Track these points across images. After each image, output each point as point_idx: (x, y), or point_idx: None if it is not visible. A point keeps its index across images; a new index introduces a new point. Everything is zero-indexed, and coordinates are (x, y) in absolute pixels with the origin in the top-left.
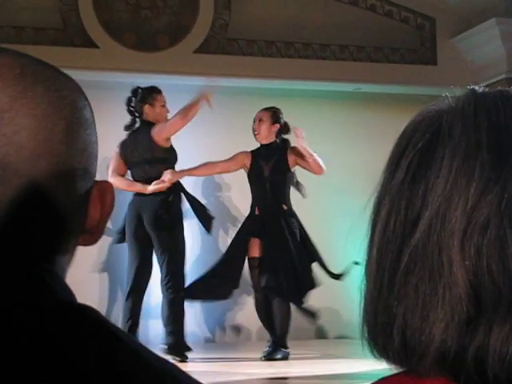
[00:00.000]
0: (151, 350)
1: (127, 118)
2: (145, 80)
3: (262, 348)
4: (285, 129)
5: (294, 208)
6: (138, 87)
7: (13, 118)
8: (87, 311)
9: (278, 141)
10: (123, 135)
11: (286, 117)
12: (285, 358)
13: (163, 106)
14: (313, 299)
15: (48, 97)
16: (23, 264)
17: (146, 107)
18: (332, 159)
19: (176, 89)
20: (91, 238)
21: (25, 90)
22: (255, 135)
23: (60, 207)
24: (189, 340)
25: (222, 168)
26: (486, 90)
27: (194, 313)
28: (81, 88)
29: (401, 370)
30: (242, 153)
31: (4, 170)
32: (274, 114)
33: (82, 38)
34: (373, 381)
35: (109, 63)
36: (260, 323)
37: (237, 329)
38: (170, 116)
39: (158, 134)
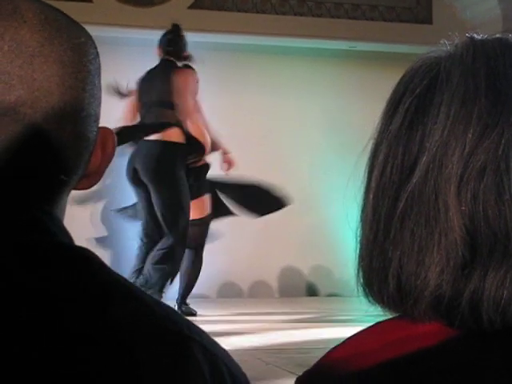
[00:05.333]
0: (153, 297)
1: (121, 73)
2: (139, 35)
3: (254, 305)
4: None
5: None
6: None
7: (42, 64)
8: (85, 253)
9: None
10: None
11: (278, 74)
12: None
13: None
14: (304, 257)
15: (71, 44)
16: (23, 205)
17: (186, 54)
18: (327, 117)
19: None
20: (87, 182)
21: (52, 36)
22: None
23: (76, 152)
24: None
25: None
26: (484, 37)
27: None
28: (91, 36)
29: (395, 314)
30: None
31: (34, 115)
32: None
33: None
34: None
35: (102, 18)
36: (252, 280)
37: (228, 285)
38: None
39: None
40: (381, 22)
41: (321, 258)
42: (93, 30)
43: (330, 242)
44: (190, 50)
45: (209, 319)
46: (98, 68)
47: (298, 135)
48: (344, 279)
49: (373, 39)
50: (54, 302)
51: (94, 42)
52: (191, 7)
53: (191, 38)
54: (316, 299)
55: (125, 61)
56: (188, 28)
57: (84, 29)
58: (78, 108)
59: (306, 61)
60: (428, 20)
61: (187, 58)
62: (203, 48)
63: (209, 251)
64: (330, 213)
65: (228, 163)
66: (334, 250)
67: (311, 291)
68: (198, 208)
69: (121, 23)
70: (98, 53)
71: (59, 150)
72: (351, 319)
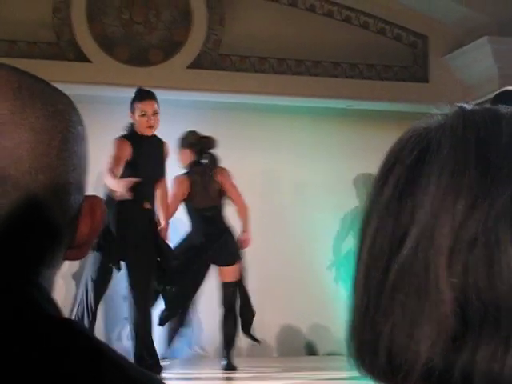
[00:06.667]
0: (134, 364)
1: (119, 131)
2: None
3: (253, 364)
4: None
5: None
6: (139, 89)
7: (12, 132)
8: (72, 325)
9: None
10: None
11: (277, 133)
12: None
13: (142, 115)
14: (304, 315)
15: (45, 111)
16: (10, 277)
17: (130, 114)
18: (324, 175)
19: (168, 104)
20: (79, 253)
21: (24, 104)
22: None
23: (54, 221)
24: (175, 355)
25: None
26: (475, 107)
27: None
28: (73, 103)
29: None
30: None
31: (3, 183)
32: None
33: (74, 52)
34: None
35: (101, 77)
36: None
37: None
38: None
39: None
40: (378, 81)
41: (319, 317)
42: (92, 90)
43: (328, 301)
44: (189, 109)
45: (207, 376)
46: (80, 135)
47: (296, 193)
48: (343, 338)
49: (370, 98)
50: (39, 375)
51: (75, 110)
52: (190, 67)
53: (190, 97)
54: (315, 358)
55: (123, 120)
56: (187, 87)
57: (65, 96)
58: (51, 175)
59: (303, 120)
60: (424, 79)
61: None
62: (201, 107)
63: (206, 310)
64: (329, 273)
65: (244, 242)
66: (332, 308)
67: (310, 350)
68: (233, 272)
69: (119, 83)
70: (80, 120)
71: (33, 218)
72: (350, 377)
